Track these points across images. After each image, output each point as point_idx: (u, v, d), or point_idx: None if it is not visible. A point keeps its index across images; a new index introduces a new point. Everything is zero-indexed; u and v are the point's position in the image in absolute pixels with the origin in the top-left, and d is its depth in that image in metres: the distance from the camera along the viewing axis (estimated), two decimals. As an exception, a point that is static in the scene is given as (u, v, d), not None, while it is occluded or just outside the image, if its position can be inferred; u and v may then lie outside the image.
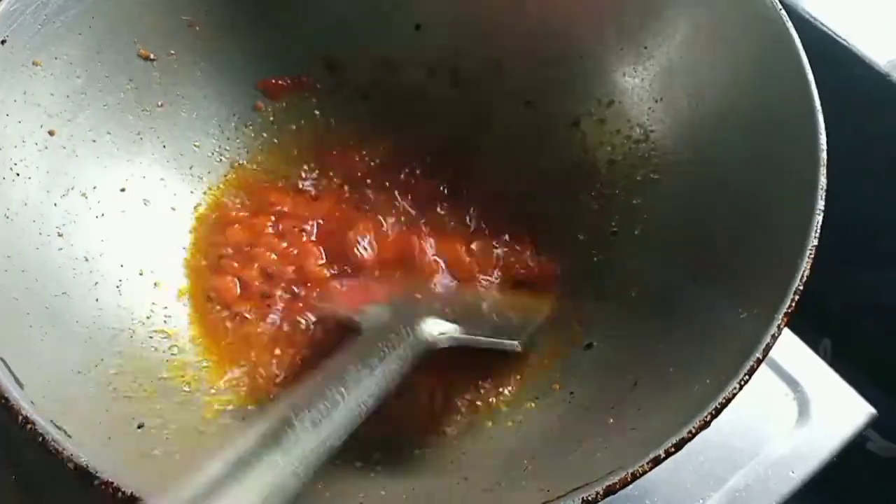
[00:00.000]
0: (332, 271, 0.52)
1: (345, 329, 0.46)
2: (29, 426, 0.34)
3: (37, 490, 0.50)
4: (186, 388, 0.46)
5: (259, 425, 0.34)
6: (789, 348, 0.58)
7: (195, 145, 0.54)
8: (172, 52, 0.53)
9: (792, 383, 0.56)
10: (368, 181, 0.56)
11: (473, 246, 0.54)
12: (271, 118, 0.57)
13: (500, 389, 0.48)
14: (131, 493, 0.32)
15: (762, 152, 0.45)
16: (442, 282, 0.52)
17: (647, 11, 0.52)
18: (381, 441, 0.46)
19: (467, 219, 0.55)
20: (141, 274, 0.49)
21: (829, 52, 0.68)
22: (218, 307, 0.50)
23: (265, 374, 0.48)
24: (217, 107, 0.55)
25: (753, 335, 0.37)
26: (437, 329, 0.44)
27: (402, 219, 0.55)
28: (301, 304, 0.51)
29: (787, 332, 0.42)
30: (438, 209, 0.55)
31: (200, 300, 0.51)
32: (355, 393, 0.37)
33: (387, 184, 0.56)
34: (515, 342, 0.47)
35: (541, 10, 0.56)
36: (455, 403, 0.48)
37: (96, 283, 0.47)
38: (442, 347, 0.44)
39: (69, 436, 0.35)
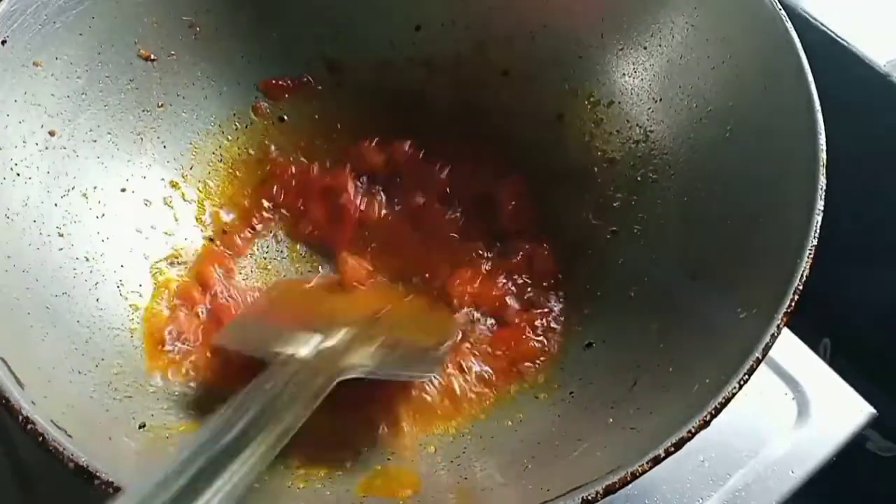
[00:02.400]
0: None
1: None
2: (29, 426, 0.34)
3: (36, 489, 0.50)
4: (191, 386, 0.46)
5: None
6: (789, 348, 0.58)
7: (196, 146, 0.54)
8: (173, 52, 0.53)
9: (791, 383, 0.57)
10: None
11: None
12: (272, 119, 0.57)
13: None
14: (132, 492, 0.32)
15: (762, 152, 0.45)
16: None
17: (647, 12, 0.52)
18: (381, 439, 0.46)
19: (466, 218, 0.55)
20: (141, 274, 0.49)
21: (829, 52, 0.68)
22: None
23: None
24: (217, 107, 0.55)
25: (753, 335, 0.37)
26: (356, 361, 0.43)
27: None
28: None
29: (786, 331, 0.42)
30: (436, 208, 0.56)
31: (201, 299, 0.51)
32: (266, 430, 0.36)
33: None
34: (432, 373, 0.47)
35: (541, 10, 0.56)
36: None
37: (97, 283, 0.47)
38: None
39: (69, 436, 0.35)
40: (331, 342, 0.44)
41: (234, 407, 0.37)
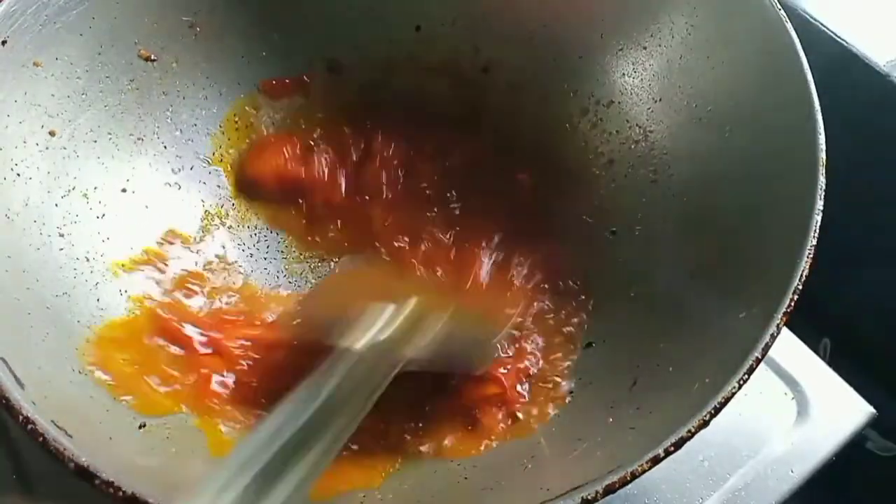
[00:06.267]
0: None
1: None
2: (30, 426, 0.34)
3: (36, 489, 0.50)
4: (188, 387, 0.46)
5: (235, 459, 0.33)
6: (789, 348, 0.58)
7: (196, 146, 0.54)
8: (173, 52, 0.53)
9: (791, 383, 0.57)
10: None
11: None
12: (272, 118, 0.57)
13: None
14: (132, 492, 0.32)
15: (762, 152, 0.45)
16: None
17: (647, 12, 0.52)
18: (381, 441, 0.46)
19: (465, 218, 0.55)
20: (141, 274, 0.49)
21: (829, 52, 0.68)
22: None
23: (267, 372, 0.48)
24: (217, 107, 0.55)
25: (753, 334, 0.37)
26: (412, 351, 0.43)
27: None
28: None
29: (786, 331, 0.42)
30: (436, 209, 0.56)
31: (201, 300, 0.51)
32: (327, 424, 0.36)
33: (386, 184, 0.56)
34: (485, 364, 0.46)
35: (540, 10, 0.56)
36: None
37: (97, 284, 0.47)
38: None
39: (70, 436, 0.35)
40: (385, 333, 0.43)
41: (291, 403, 0.36)
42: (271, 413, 0.36)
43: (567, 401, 0.46)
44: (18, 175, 0.45)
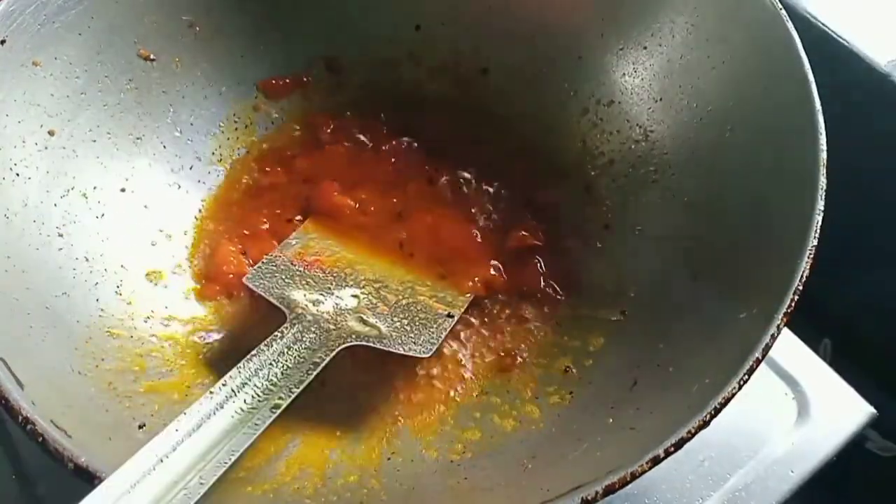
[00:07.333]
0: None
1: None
2: (29, 426, 0.34)
3: (36, 489, 0.50)
4: (188, 387, 0.46)
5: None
6: (789, 348, 0.58)
7: (195, 145, 0.54)
8: (173, 52, 0.53)
9: (792, 383, 0.57)
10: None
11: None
12: (272, 118, 0.57)
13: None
14: (131, 492, 0.33)
15: (762, 152, 0.45)
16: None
17: (647, 12, 0.52)
18: (382, 441, 0.46)
19: (465, 217, 0.55)
20: (141, 274, 0.49)
21: (829, 52, 0.68)
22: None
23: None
24: (217, 107, 0.55)
25: (753, 335, 0.37)
26: (358, 330, 0.45)
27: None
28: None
29: (786, 331, 0.42)
30: (437, 208, 0.56)
31: (200, 300, 0.51)
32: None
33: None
34: (428, 350, 0.46)
35: (540, 10, 0.56)
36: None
37: (96, 284, 0.47)
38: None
39: (69, 436, 0.35)
40: (346, 302, 0.47)
41: (238, 368, 0.41)
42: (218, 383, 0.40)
43: (568, 401, 0.46)
44: (17, 175, 0.45)
